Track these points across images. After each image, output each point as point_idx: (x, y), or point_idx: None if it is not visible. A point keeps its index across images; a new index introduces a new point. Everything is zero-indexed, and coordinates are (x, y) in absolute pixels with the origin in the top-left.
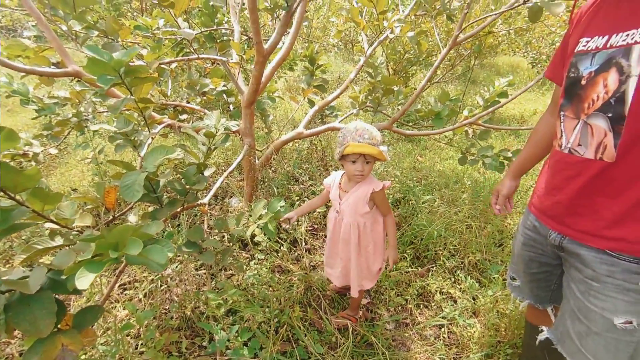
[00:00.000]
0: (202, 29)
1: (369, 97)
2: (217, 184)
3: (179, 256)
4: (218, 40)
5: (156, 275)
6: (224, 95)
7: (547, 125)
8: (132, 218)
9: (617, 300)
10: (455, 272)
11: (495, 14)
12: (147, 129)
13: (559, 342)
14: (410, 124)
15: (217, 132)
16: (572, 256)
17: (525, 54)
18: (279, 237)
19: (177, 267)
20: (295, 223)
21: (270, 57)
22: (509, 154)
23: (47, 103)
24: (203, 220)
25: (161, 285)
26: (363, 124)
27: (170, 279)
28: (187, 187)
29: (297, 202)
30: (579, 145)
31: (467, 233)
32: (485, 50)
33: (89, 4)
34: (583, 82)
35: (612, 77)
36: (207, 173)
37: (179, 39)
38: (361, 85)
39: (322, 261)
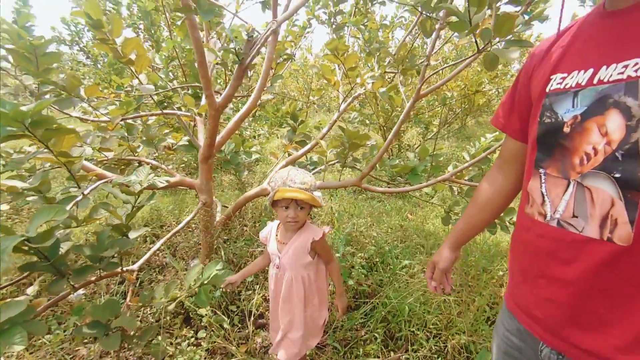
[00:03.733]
0: (173, 87)
1: (341, 153)
2: (155, 247)
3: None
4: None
5: None
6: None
7: (493, 184)
8: (31, 290)
9: None
10: None
11: (449, 64)
12: (76, 185)
13: None
14: (388, 180)
15: (142, 188)
16: None
17: None
18: (229, 310)
19: (96, 346)
20: (251, 291)
21: (223, 109)
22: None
23: None
24: (132, 290)
25: None
26: (296, 169)
27: None
28: (99, 255)
29: None
30: (574, 216)
31: (453, 307)
32: (477, 108)
33: (52, 62)
34: (566, 129)
35: (614, 122)
36: (133, 235)
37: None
38: (335, 140)
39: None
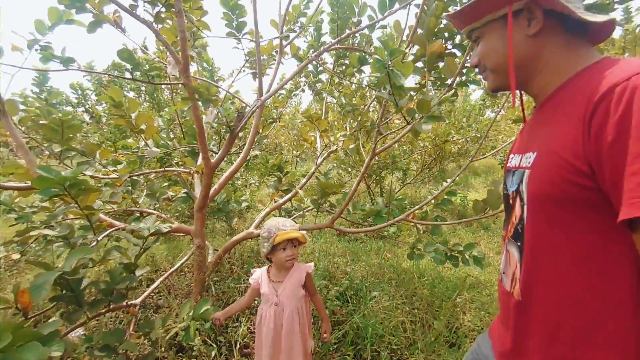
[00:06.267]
0: (174, 147)
1: (315, 201)
2: (154, 286)
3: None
4: None
5: None
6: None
7: None
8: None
9: None
10: None
11: (395, 130)
12: (93, 232)
13: None
14: (360, 222)
15: (149, 234)
16: None
17: (493, 155)
18: (217, 341)
19: None
20: (237, 324)
21: (217, 169)
22: (461, 248)
23: (26, 212)
24: (134, 322)
25: None
26: (280, 218)
27: None
28: (113, 287)
29: None
30: (504, 273)
31: (414, 329)
32: (449, 155)
33: (75, 132)
34: (510, 201)
35: (518, 202)
36: (139, 273)
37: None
38: (311, 190)
39: None
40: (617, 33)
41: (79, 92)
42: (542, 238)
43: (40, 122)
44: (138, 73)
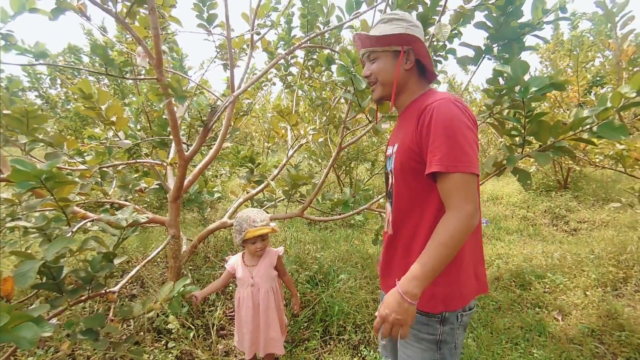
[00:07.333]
0: (145, 139)
1: (286, 192)
2: (132, 274)
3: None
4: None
5: None
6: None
7: None
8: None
9: (415, 348)
10: (359, 346)
11: (362, 125)
12: (67, 223)
13: None
14: (328, 210)
15: (127, 224)
16: None
17: None
18: (195, 324)
19: None
20: (213, 308)
21: (192, 160)
22: None
23: None
24: (113, 308)
25: None
26: (252, 210)
27: None
28: (93, 274)
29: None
30: (386, 221)
31: (374, 307)
32: None
33: (40, 123)
34: (388, 176)
35: (390, 175)
36: (117, 261)
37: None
38: (281, 181)
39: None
40: (566, 36)
41: (33, 75)
42: (400, 194)
43: (4, 112)
44: (100, 64)
